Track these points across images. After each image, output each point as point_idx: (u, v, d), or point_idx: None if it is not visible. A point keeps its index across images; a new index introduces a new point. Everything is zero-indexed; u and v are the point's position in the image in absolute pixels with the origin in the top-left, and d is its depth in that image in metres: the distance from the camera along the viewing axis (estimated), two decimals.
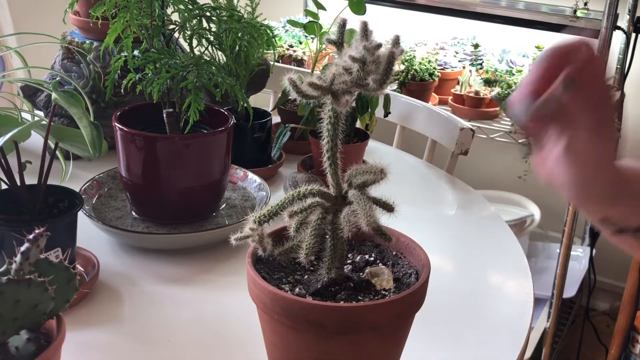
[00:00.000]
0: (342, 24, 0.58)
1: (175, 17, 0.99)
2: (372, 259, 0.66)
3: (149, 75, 0.94)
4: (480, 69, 2.12)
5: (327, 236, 0.61)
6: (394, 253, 0.67)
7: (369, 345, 0.60)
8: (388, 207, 0.59)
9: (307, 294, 0.62)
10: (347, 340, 0.59)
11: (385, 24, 2.34)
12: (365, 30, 0.57)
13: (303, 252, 0.59)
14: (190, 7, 0.97)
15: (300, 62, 2.14)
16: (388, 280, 0.61)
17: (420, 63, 2.07)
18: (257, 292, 0.61)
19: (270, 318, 0.61)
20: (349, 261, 0.66)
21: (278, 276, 0.64)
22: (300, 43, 2.27)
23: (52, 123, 0.80)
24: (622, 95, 1.93)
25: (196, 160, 0.95)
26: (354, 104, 1.18)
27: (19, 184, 0.79)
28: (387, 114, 1.30)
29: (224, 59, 1.13)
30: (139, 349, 0.76)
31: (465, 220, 1.15)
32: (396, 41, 0.58)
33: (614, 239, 0.59)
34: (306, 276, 0.65)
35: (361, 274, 0.63)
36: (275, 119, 1.35)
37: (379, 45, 0.56)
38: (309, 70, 1.43)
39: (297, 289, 0.62)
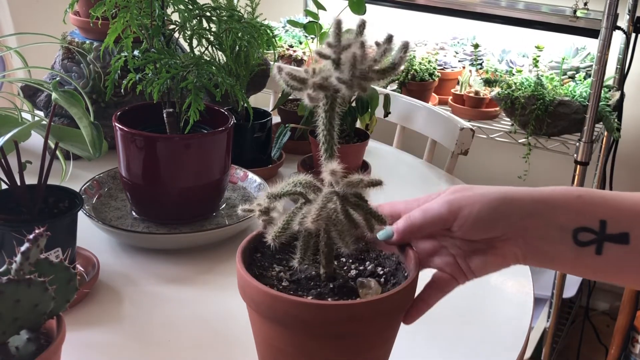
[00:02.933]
0: (337, 26, 0.58)
1: (175, 17, 0.99)
2: (370, 267, 0.66)
3: (149, 75, 0.94)
4: (480, 69, 2.12)
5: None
6: (394, 259, 0.67)
7: (355, 343, 0.60)
8: (378, 219, 0.60)
9: (296, 289, 0.62)
10: (332, 339, 0.59)
11: (386, 24, 2.34)
12: (338, 29, 0.57)
13: (271, 235, 0.59)
14: (190, 7, 0.97)
15: (300, 62, 2.14)
16: (373, 296, 0.61)
17: (420, 63, 2.07)
18: (241, 284, 0.61)
19: (252, 312, 0.61)
20: (352, 268, 0.66)
21: (279, 269, 0.64)
22: (300, 43, 2.27)
23: (52, 123, 0.80)
24: (622, 95, 1.93)
25: (196, 160, 0.95)
26: (354, 104, 1.19)
27: (19, 184, 0.79)
28: (387, 114, 1.30)
29: (224, 59, 1.13)
30: (139, 349, 0.76)
31: None
32: (388, 40, 0.58)
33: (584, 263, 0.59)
34: (303, 274, 0.65)
35: (352, 281, 0.63)
36: (275, 119, 1.35)
37: (348, 46, 0.56)
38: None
39: (283, 283, 0.62)
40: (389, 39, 0.58)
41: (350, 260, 0.67)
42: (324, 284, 0.62)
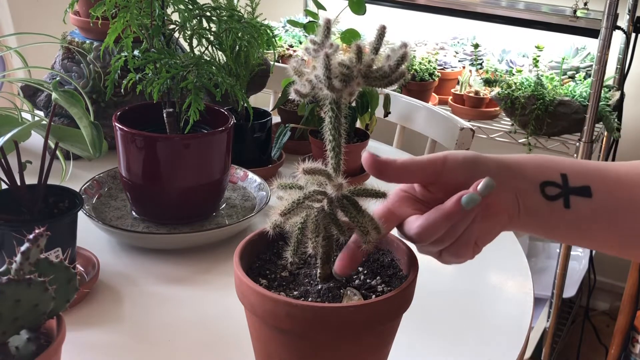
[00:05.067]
0: (327, 25, 0.58)
1: (175, 17, 0.99)
2: (374, 282, 0.65)
3: (149, 75, 0.94)
4: (480, 69, 2.12)
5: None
6: (392, 268, 0.66)
7: (350, 346, 0.60)
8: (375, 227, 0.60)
9: (291, 281, 0.62)
10: (326, 342, 0.59)
11: (386, 24, 2.34)
12: (327, 28, 0.57)
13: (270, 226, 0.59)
14: (190, 7, 0.97)
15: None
16: (357, 301, 0.61)
17: (420, 63, 2.07)
18: (237, 284, 0.61)
19: (249, 313, 0.61)
20: (359, 278, 0.66)
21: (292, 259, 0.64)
22: (300, 43, 2.27)
23: (52, 123, 0.80)
24: (622, 95, 1.93)
25: (196, 160, 0.95)
26: (354, 104, 1.19)
27: (19, 184, 0.79)
28: (387, 113, 1.30)
29: (224, 59, 1.13)
30: (139, 349, 0.76)
31: None
32: (380, 35, 0.58)
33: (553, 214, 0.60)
34: (303, 271, 0.65)
35: (342, 289, 0.63)
36: (275, 119, 1.35)
37: (332, 45, 0.56)
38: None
39: (283, 273, 0.62)
40: (380, 36, 0.58)
41: (365, 271, 0.66)
42: (315, 284, 0.62)
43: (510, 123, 1.92)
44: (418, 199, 0.62)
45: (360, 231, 0.59)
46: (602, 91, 1.72)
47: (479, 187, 0.56)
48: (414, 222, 0.59)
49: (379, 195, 0.59)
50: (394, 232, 0.64)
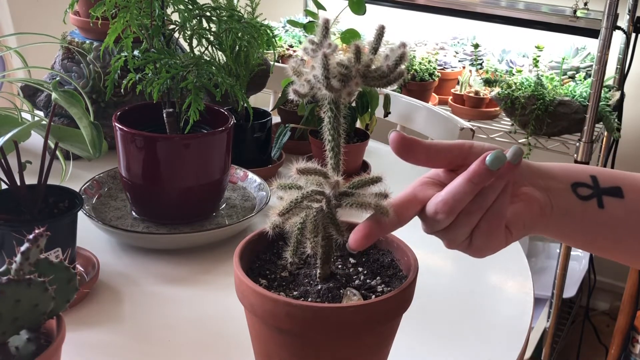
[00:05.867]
0: (325, 25, 0.58)
1: (175, 17, 0.99)
2: (374, 282, 0.65)
3: (149, 75, 0.94)
4: (480, 69, 2.12)
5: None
6: (392, 269, 0.66)
7: (350, 346, 0.60)
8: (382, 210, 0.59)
9: (291, 281, 0.62)
10: (325, 342, 0.59)
11: (385, 24, 2.34)
12: (326, 28, 0.57)
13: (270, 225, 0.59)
14: (190, 7, 0.97)
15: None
16: (356, 302, 0.61)
17: (420, 63, 2.07)
18: (236, 284, 0.61)
19: (248, 313, 0.61)
20: (359, 279, 0.66)
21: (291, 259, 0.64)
22: (300, 43, 2.27)
23: (52, 123, 0.80)
24: (622, 95, 1.93)
25: (196, 160, 0.95)
26: (354, 104, 1.19)
27: (19, 184, 0.79)
28: (387, 114, 1.30)
29: (224, 59, 1.13)
30: (139, 349, 0.76)
31: None
32: (379, 35, 0.58)
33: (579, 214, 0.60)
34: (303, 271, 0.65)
35: (342, 289, 0.63)
36: (275, 119, 1.35)
37: (330, 45, 0.56)
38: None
39: (283, 273, 0.62)
40: (379, 36, 0.58)
41: (365, 271, 0.66)
42: (315, 284, 0.62)
43: (510, 123, 1.92)
44: (443, 184, 0.60)
45: (374, 210, 0.57)
46: (602, 91, 1.72)
47: (507, 153, 0.54)
48: (438, 196, 0.56)
49: (375, 180, 0.59)
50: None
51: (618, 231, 0.60)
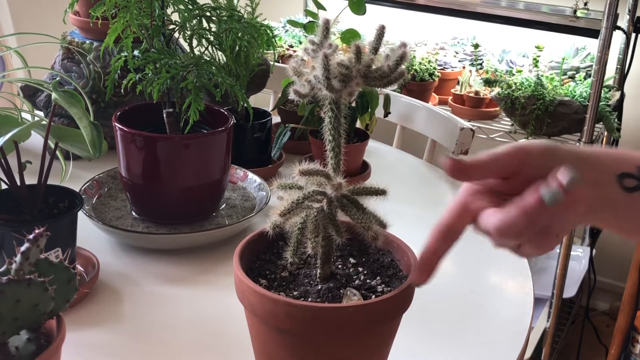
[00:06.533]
0: (325, 25, 0.58)
1: (175, 17, 0.99)
2: (374, 282, 0.65)
3: (149, 75, 0.94)
4: (480, 69, 2.12)
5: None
6: (392, 269, 0.66)
7: (350, 346, 0.60)
8: (380, 223, 0.59)
9: (291, 281, 0.62)
10: (325, 342, 0.59)
11: (386, 24, 2.34)
12: (326, 28, 0.57)
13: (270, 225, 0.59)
14: (190, 7, 0.97)
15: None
16: (356, 301, 0.61)
17: (420, 63, 2.07)
18: (236, 284, 0.61)
19: (248, 313, 0.61)
20: (359, 279, 0.66)
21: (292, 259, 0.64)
22: (300, 43, 2.27)
23: (52, 123, 0.80)
24: (622, 95, 1.93)
25: (196, 160, 0.95)
26: (354, 104, 1.19)
27: (19, 184, 0.79)
28: (387, 114, 1.30)
29: (224, 59, 1.13)
30: (139, 349, 0.76)
31: None
32: (379, 35, 0.58)
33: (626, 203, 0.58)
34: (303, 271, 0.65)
35: (342, 289, 0.63)
36: (275, 119, 1.35)
37: (331, 46, 0.56)
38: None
39: (283, 273, 0.62)
40: (379, 36, 0.58)
41: (365, 271, 0.66)
42: (315, 284, 0.62)
43: (510, 123, 1.92)
44: (493, 191, 0.59)
45: (362, 228, 0.59)
46: (602, 91, 1.72)
47: (565, 182, 0.52)
48: (492, 217, 0.55)
49: (379, 192, 0.59)
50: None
51: None
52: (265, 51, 1.15)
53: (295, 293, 0.62)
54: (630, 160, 0.59)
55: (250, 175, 1.12)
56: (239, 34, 1.07)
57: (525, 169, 0.57)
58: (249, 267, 0.65)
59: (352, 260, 0.68)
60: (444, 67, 2.16)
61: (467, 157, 0.57)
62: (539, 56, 2.02)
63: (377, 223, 0.59)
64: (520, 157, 0.57)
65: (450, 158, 0.56)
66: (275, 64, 1.27)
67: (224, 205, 1.06)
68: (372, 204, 0.61)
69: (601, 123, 1.81)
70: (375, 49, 0.58)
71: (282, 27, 2.39)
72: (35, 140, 0.87)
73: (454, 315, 0.86)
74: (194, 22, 0.98)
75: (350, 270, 0.66)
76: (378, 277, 0.65)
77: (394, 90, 1.88)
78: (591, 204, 0.58)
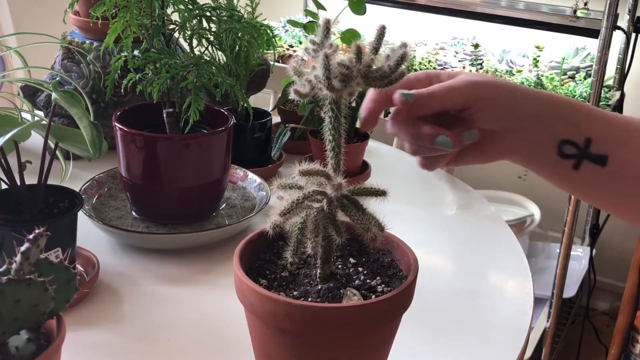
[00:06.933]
0: (326, 25, 0.58)
1: (175, 17, 0.99)
2: (375, 282, 0.65)
3: (149, 75, 0.94)
4: (480, 69, 2.12)
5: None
6: (392, 269, 0.66)
7: (350, 346, 0.60)
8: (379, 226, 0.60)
9: (291, 281, 0.62)
10: (325, 342, 0.59)
11: (386, 24, 2.34)
12: (327, 28, 0.57)
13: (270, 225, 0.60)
14: (190, 7, 0.97)
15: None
16: (357, 301, 0.61)
17: (420, 63, 2.07)
18: (236, 284, 0.61)
19: (248, 313, 0.61)
20: (359, 279, 0.66)
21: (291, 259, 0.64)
22: (300, 43, 2.27)
23: (52, 123, 0.80)
24: (622, 95, 1.93)
25: (196, 160, 0.95)
26: (354, 104, 1.19)
27: (19, 184, 0.79)
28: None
29: (224, 59, 1.13)
30: (139, 349, 0.76)
31: (465, 220, 1.15)
32: (380, 35, 0.58)
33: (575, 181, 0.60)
34: (303, 271, 0.65)
35: (342, 289, 0.63)
36: (275, 119, 1.35)
37: (331, 46, 0.56)
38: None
39: (283, 273, 0.62)
40: (380, 36, 0.58)
41: (365, 271, 0.66)
42: (315, 284, 0.62)
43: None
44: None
45: (361, 229, 0.59)
46: (602, 91, 1.72)
47: (462, 135, 0.59)
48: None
49: (379, 193, 0.59)
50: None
51: (583, 190, 0.61)
52: (265, 51, 1.15)
53: (295, 293, 0.62)
54: (585, 127, 0.60)
55: (250, 175, 1.12)
56: (239, 34, 1.07)
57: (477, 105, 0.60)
58: (249, 267, 0.65)
59: (352, 260, 0.68)
60: (444, 67, 2.16)
61: (421, 91, 0.60)
62: (539, 56, 2.02)
63: (375, 225, 0.59)
64: (474, 98, 0.60)
65: (400, 95, 0.59)
66: (275, 64, 1.27)
67: (224, 205, 1.06)
68: (372, 204, 0.61)
69: None
70: (376, 49, 0.58)
71: (282, 27, 2.39)
72: (35, 140, 0.87)
73: (454, 315, 0.86)
74: (194, 22, 0.98)
75: (350, 270, 0.66)
76: (378, 277, 0.65)
77: None
78: (526, 157, 0.61)
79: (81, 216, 0.84)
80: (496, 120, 0.60)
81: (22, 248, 0.54)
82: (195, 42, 1.00)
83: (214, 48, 1.06)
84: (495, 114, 0.60)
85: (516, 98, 0.60)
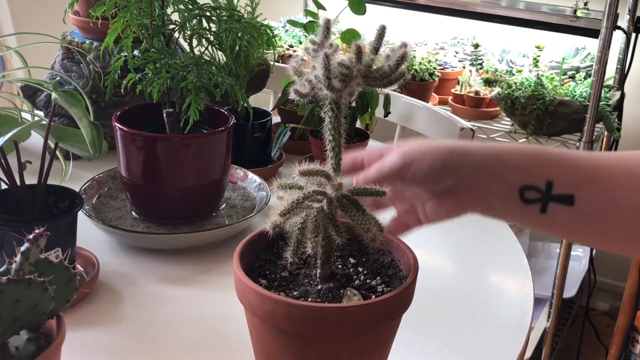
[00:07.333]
0: (326, 25, 0.58)
1: (175, 17, 0.99)
2: (375, 282, 0.65)
3: (149, 75, 0.93)
4: (480, 69, 2.12)
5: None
6: (392, 269, 0.67)
7: (350, 346, 0.60)
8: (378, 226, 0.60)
9: (291, 281, 0.62)
10: (325, 342, 0.59)
11: (386, 24, 2.34)
12: (327, 28, 0.57)
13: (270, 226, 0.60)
14: (190, 7, 0.97)
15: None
16: (356, 301, 0.61)
17: (420, 63, 2.07)
18: (236, 284, 0.61)
19: (248, 313, 0.61)
20: (359, 279, 0.66)
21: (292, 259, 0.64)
22: (300, 43, 2.27)
23: (52, 123, 0.80)
24: (622, 95, 1.93)
25: (196, 160, 0.95)
26: (354, 104, 1.19)
27: (19, 184, 0.79)
28: (387, 113, 1.30)
29: (224, 59, 1.13)
30: (139, 349, 0.76)
31: (465, 220, 1.14)
32: (380, 35, 0.58)
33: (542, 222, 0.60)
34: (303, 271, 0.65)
35: (342, 289, 0.63)
36: (275, 119, 1.35)
37: (331, 46, 0.56)
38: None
39: (283, 273, 0.62)
40: (380, 36, 0.58)
41: (365, 271, 0.66)
42: (315, 284, 0.62)
43: (510, 123, 1.92)
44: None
45: (361, 229, 0.59)
46: (602, 91, 1.72)
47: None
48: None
49: (379, 193, 0.59)
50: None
51: (555, 230, 0.60)
52: (265, 51, 1.14)
53: (295, 293, 0.62)
54: (543, 171, 0.59)
55: (250, 175, 1.11)
56: (239, 34, 1.07)
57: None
58: (249, 267, 0.65)
59: (352, 260, 0.68)
60: (444, 67, 2.16)
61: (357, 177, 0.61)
62: (539, 56, 2.02)
63: (375, 225, 0.59)
64: (406, 164, 0.60)
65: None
66: (275, 64, 1.27)
67: (224, 205, 1.06)
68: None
69: (601, 123, 1.80)
70: (376, 49, 0.58)
71: (282, 27, 2.39)
72: (35, 140, 0.87)
73: (454, 315, 0.86)
74: (194, 22, 0.98)
75: (350, 270, 0.66)
76: (378, 277, 0.65)
77: (394, 90, 1.88)
78: (486, 207, 0.61)
79: (81, 216, 0.84)
80: (434, 182, 0.60)
81: (22, 248, 0.54)
82: (195, 42, 1.00)
83: (214, 48, 1.06)
84: (430, 177, 0.59)
85: (452, 156, 0.59)
